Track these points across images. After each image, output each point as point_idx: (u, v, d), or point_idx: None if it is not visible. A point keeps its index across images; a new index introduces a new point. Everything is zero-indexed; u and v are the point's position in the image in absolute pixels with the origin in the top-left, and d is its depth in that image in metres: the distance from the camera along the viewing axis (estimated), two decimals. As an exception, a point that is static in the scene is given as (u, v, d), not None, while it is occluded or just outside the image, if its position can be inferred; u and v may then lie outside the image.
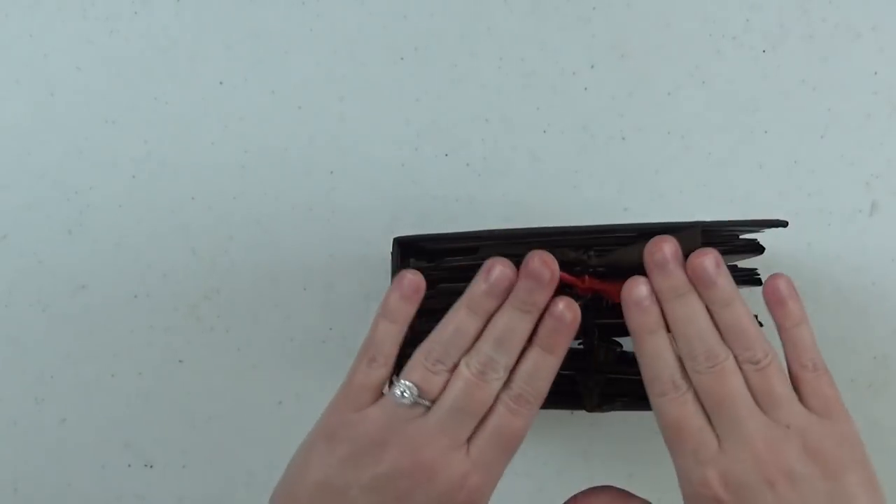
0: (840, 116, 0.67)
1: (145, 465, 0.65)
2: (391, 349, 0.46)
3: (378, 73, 0.67)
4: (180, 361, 0.64)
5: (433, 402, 0.44)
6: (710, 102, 0.67)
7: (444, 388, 0.45)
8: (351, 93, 0.67)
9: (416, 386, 0.44)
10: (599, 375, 0.52)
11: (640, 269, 0.49)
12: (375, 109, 0.67)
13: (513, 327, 0.44)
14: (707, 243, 0.50)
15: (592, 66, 0.67)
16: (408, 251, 0.54)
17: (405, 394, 0.44)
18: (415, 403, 0.44)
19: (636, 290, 0.45)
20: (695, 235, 0.49)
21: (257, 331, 0.66)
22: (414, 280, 0.46)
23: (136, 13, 0.67)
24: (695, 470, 0.44)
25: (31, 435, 0.65)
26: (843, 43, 0.67)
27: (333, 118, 0.67)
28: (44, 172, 0.66)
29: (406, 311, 0.46)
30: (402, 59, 0.67)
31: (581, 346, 0.54)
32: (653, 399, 0.46)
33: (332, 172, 0.67)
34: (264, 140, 0.67)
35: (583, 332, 0.50)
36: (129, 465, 0.64)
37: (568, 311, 0.45)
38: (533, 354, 0.45)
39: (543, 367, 0.45)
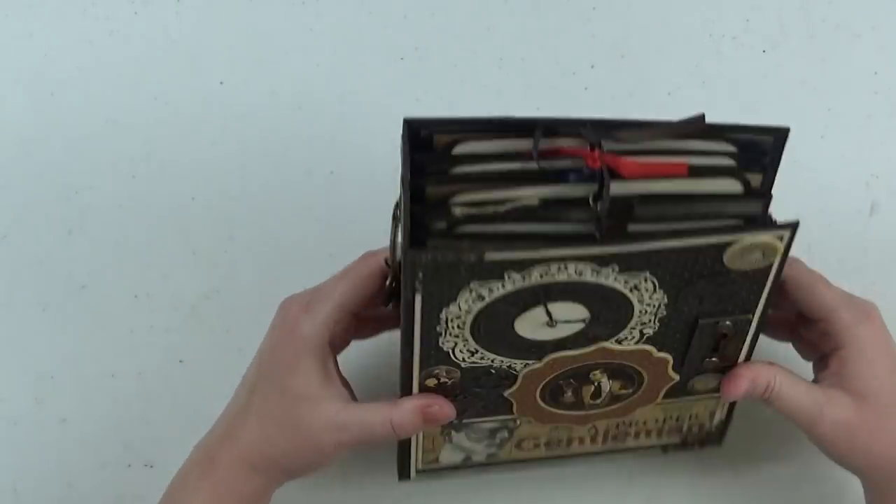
0: (840, 116, 0.67)
1: (145, 465, 0.64)
2: None
3: (378, 73, 0.67)
4: (180, 361, 0.64)
5: None
6: (710, 102, 0.67)
7: None
8: (351, 93, 0.67)
9: None
10: (599, 375, 0.52)
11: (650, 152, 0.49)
12: (375, 109, 0.67)
13: None
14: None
15: (592, 66, 0.67)
16: (417, 142, 0.51)
17: None
18: None
19: None
20: (700, 121, 0.49)
21: (257, 331, 0.66)
22: None
23: (136, 13, 0.67)
24: None
25: (31, 435, 0.65)
26: (843, 43, 0.67)
27: (333, 118, 0.67)
28: (44, 172, 0.66)
29: None
30: (402, 59, 0.67)
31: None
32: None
33: (332, 172, 0.67)
34: (264, 140, 0.67)
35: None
36: (129, 465, 0.64)
37: None
38: None
39: None
